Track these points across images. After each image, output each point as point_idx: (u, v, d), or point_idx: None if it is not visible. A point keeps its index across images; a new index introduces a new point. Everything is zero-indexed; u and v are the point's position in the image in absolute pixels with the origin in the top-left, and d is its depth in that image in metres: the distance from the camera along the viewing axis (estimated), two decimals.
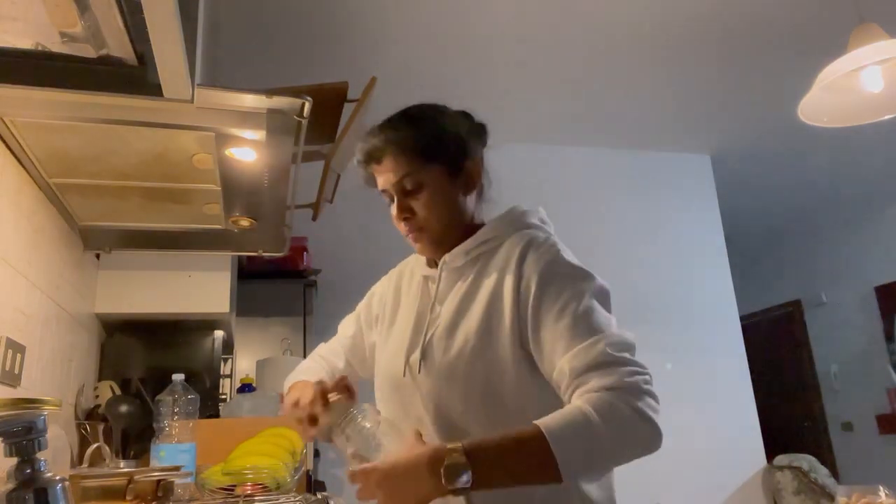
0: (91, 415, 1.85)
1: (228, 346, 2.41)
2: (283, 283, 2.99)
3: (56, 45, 0.97)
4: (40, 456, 0.81)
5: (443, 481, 0.81)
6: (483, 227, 1.13)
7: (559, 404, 0.91)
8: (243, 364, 2.79)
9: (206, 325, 2.19)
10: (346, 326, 1.35)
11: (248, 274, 2.80)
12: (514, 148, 3.61)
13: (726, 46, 2.94)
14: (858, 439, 5.16)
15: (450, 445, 0.84)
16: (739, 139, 3.90)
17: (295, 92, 1.18)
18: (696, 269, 3.79)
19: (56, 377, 1.65)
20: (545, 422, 0.85)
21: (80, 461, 1.66)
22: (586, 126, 3.60)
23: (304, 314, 3.03)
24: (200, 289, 2.09)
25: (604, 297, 1.00)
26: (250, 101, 1.17)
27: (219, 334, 2.21)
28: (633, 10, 2.65)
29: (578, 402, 0.87)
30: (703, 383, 3.52)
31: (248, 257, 2.63)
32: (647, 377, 0.89)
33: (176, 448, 1.54)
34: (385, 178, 1.11)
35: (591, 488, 1.00)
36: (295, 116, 1.21)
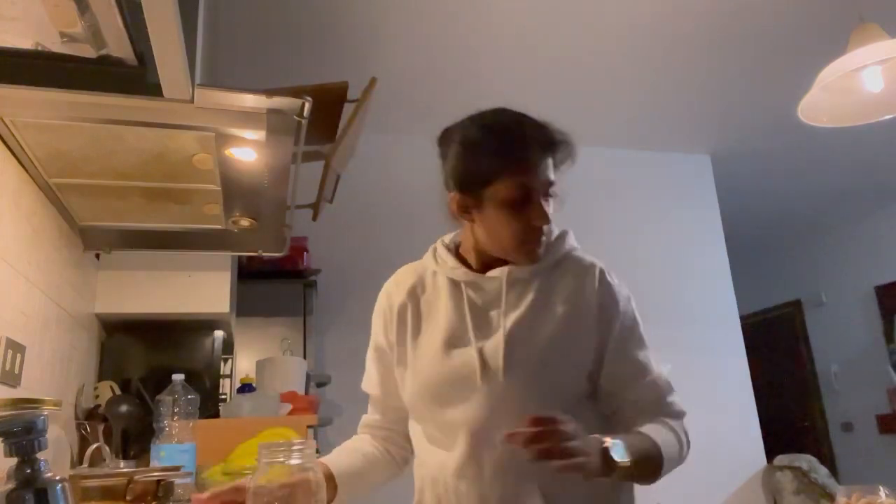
0: (91, 415, 1.85)
1: (228, 346, 2.41)
2: (283, 283, 2.99)
3: (56, 45, 0.97)
4: (40, 456, 0.81)
5: (607, 460, 0.92)
6: None
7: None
8: (243, 364, 2.79)
9: (206, 325, 2.19)
10: (368, 380, 1.29)
11: (248, 274, 2.80)
12: None
13: (726, 46, 2.94)
14: (858, 439, 5.16)
15: (609, 437, 0.95)
16: (739, 139, 3.90)
17: (295, 92, 1.18)
18: (696, 270, 3.79)
19: (56, 377, 1.65)
20: (662, 442, 1.02)
21: (80, 461, 1.66)
22: (586, 126, 3.60)
23: (304, 314, 3.03)
24: (200, 289, 2.09)
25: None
26: (250, 101, 1.17)
27: (219, 334, 2.21)
28: (632, 10, 2.65)
29: (674, 424, 1.08)
30: (703, 383, 3.52)
31: (248, 257, 2.63)
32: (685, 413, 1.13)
33: (176, 448, 1.54)
34: (545, 175, 1.08)
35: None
36: (295, 116, 1.21)
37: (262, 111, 1.19)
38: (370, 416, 1.29)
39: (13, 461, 0.80)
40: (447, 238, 1.26)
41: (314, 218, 1.83)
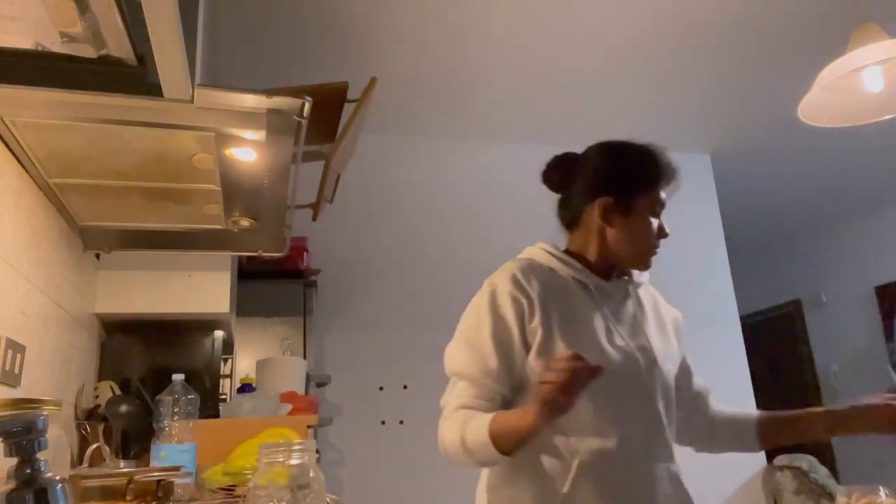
0: (91, 415, 1.85)
1: (228, 346, 2.41)
2: (283, 283, 2.99)
3: (56, 45, 0.97)
4: (40, 456, 0.81)
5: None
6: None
7: None
8: (243, 364, 2.79)
9: (206, 325, 2.18)
10: (482, 363, 1.19)
11: (248, 274, 2.80)
12: (513, 147, 3.61)
13: (726, 46, 2.94)
14: (858, 439, 5.15)
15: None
16: (739, 139, 3.90)
17: (295, 92, 1.18)
18: (696, 269, 3.79)
19: (56, 377, 1.65)
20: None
21: (80, 461, 1.66)
22: (586, 126, 3.60)
23: (304, 314, 3.03)
24: (200, 289, 2.09)
25: None
26: (250, 101, 1.17)
27: (219, 334, 2.21)
28: (632, 10, 2.65)
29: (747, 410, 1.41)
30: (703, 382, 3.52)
31: (248, 257, 2.63)
32: None
33: (176, 448, 1.54)
34: (666, 198, 1.29)
35: None
36: (295, 116, 1.21)
37: (262, 111, 1.19)
38: (471, 399, 1.18)
39: (13, 461, 0.80)
40: (545, 244, 1.36)
41: (314, 218, 1.83)
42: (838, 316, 5.37)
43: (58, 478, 0.82)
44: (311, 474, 0.85)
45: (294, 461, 0.85)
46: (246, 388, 2.37)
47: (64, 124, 1.21)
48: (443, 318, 3.69)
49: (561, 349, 1.15)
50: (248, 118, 1.21)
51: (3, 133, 1.25)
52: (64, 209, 1.63)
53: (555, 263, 1.28)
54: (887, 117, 1.82)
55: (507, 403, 1.19)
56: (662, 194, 1.26)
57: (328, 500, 1.36)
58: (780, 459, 3.63)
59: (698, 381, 1.41)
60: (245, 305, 2.66)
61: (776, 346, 5.87)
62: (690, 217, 3.92)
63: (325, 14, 2.57)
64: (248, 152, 1.35)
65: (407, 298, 3.31)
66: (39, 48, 0.98)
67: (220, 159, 1.38)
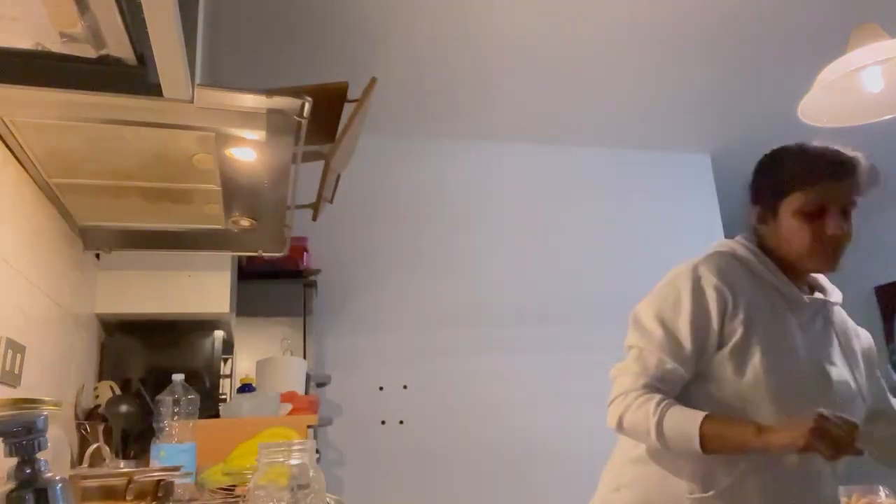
0: (91, 415, 1.85)
1: (228, 346, 2.41)
2: (283, 283, 2.98)
3: (56, 45, 0.97)
4: (40, 456, 0.81)
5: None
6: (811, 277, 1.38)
7: None
8: (243, 364, 2.79)
9: (206, 325, 2.18)
10: (676, 347, 1.23)
11: (248, 274, 2.80)
12: (513, 147, 3.61)
13: (726, 46, 2.94)
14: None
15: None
16: (739, 139, 3.90)
17: (295, 92, 1.18)
18: None
19: (56, 377, 1.65)
20: None
21: (80, 461, 1.66)
22: (586, 126, 3.60)
23: (304, 314, 3.03)
24: (200, 289, 2.09)
25: None
26: (250, 101, 1.17)
27: (219, 334, 2.21)
28: (632, 10, 2.65)
29: None
30: None
31: (248, 257, 2.63)
32: None
33: (176, 448, 1.54)
34: (843, 195, 1.26)
35: None
36: (295, 116, 1.21)
37: (262, 111, 1.19)
38: (656, 381, 1.21)
39: (13, 461, 0.80)
40: (744, 240, 1.39)
41: (314, 218, 1.83)
42: None
43: (58, 478, 0.82)
44: (311, 474, 0.85)
45: (294, 461, 0.85)
46: (246, 388, 2.37)
47: (64, 124, 1.21)
48: (443, 318, 3.70)
49: (757, 358, 1.20)
50: (248, 118, 1.21)
51: (3, 133, 1.25)
52: (64, 209, 1.62)
53: (755, 265, 1.31)
54: (887, 117, 1.81)
55: (680, 386, 1.24)
56: (815, 192, 1.25)
57: (328, 500, 1.36)
58: None
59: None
60: (245, 305, 2.66)
61: None
62: (690, 217, 3.92)
63: (325, 14, 2.57)
64: (248, 152, 1.35)
65: (407, 298, 3.31)
66: (39, 48, 0.98)
67: (220, 159, 1.37)
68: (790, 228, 1.26)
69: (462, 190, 3.52)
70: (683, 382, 1.23)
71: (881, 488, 1.21)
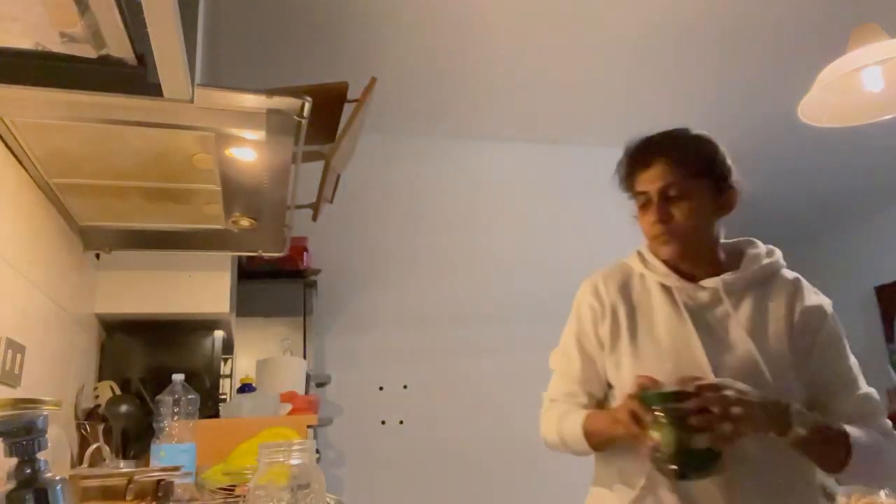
0: (91, 415, 1.85)
1: (228, 346, 2.41)
2: (283, 283, 2.99)
3: (56, 45, 0.97)
4: (40, 456, 0.81)
5: (790, 419, 1.04)
6: (729, 252, 1.29)
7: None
8: (243, 364, 2.79)
9: (206, 325, 2.18)
10: (568, 363, 1.33)
11: (248, 274, 2.80)
12: (513, 147, 3.61)
13: (726, 46, 2.94)
14: None
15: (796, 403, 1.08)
16: (739, 139, 3.89)
17: (295, 92, 1.18)
18: None
19: (56, 377, 1.65)
20: (857, 433, 1.10)
21: (80, 461, 1.66)
22: (586, 126, 3.60)
23: (304, 314, 3.03)
24: (200, 289, 2.09)
25: None
26: (250, 101, 1.17)
27: (219, 334, 2.21)
28: (632, 10, 2.65)
29: (873, 431, 1.13)
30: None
31: (248, 257, 2.63)
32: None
33: (176, 448, 1.54)
34: (651, 182, 1.22)
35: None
36: (295, 116, 1.20)
37: (262, 111, 1.19)
38: (561, 395, 1.33)
39: (13, 461, 0.80)
40: (643, 248, 1.35)
41: (314, 218, 1.83)
42: (838, 316, 5.36)
43: (58, 478, 0.82)
44: (311, 474, 0.85)
45: (294, 461, 0.85)
46: (246, 388, 2.37)
47: (64, 124, 1.21)
48: (443, 318, 3.70)
49: (626, 355, 1.22)
50: (248, 118, 1.21)
51: (3, 133, 1.25)
52: (64, 209, 1.62)
53: (639, 265, 1.31)
54: (887, 117, 1.82)
55: (594, 400, 1.29)
56: (636, 187, 1.26)
57: (328, 500, 1.36)
58: None
59: (847, 404, 1.17)
60: (245, 305, 2.66)
61: None
62: None
63: (325, 14, 2.57)
64: (248, 152, 1.35)
65: (407, 298, 3.31)
66: (39, 48, 0.98)
67: (220, 159, 1.37)
68: (640, 222, 1.28)
69: (462, 190, 3.52)
70: (589, 395, 1.29)
71: (881, 488, 1.22)
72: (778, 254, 1.32)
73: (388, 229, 3.41)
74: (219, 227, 1.74)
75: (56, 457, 1.55)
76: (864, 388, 1.19)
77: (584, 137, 3.70)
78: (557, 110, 3.40)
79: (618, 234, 3.79)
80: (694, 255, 1.25)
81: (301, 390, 2.41)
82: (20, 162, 1.36)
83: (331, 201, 1.88)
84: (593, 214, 3.61)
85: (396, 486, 3.00)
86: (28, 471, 0.80)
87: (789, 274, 1.29)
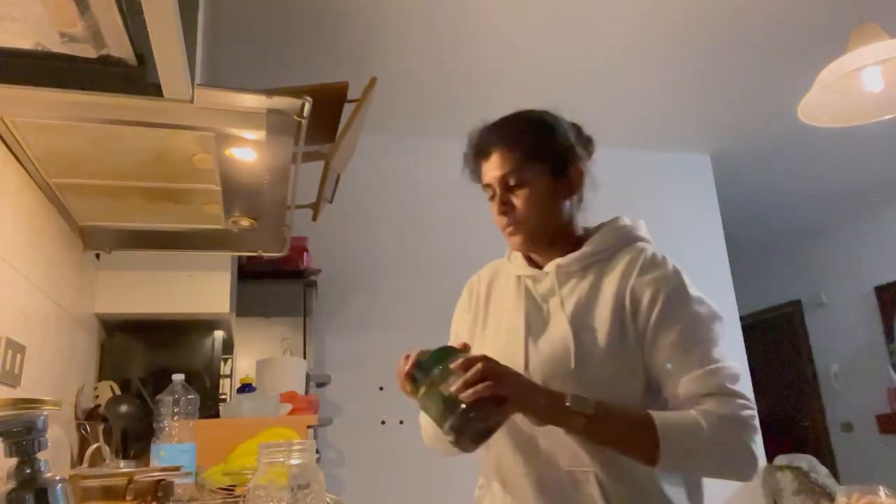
0: (91, 415, 1.85)
1: (228, 346, 2.41)
2: (283, 283, 2.99)
3: (56, 45, 0.97)
4: (40, 456, 0.81)
5: (568, 402, 0.96)
6: (589, 234, 1.19)
7: None
8: (243, 364, 2.79)
9: (206, 325, 2.18)
10: (457, 326, 1.34)
11: (248, 274, 2.80)
12: None
13: (726, 46, 2.94)
14: (858, 439, 5.16)
15: (578, 392, 0.97)
16: (739, 139, 3.90)
17: (295, 92, 1.18)
18: (696, 269, 3.77)
19: (56, 377, 1.65)
20: (657, 413, 0.98)
21: (80, 461, 1.66)
22: (586, 126, 3.60)
23: (304, 314, 3.03)
24: (200, 289, 2.09)
25: (718, 324, 1.08)
26: (250, 101, 1.17)
27: (219, 334, 2.21)
28: (632, 10, 2.65)
29: (694, 412, 0.99)
30: None
31: (248, 257, 2.62)
32: (754, 412, 1.01)
33: (176, 448, 1.54)
34: (491, 172, 1.17)
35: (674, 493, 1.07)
36: (295, 116, 1.20)
37: (262, 111, 1.19)
38: None
39: (13, 461, 0.80)
40: None
41: (314, 218, 1.83)
42: (838, 316, 5.37)
43: (58, 478, 0.82)
44: (312, 474, 0.85)
45: (294, 461, 0.85)
46: (246, 388, 2.37)
47: (64, 124, 1.21)
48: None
49: (477, 348, 1.18)
50: (248, 118, 1.21)
51: (3, 133, 1.25)
52: (64, 209, 1.62)
53: (505, 261, 1.29)
54: (887, 117, 1.82)
55: None
56: (482, 180, 1.20)
57: (328, 500, 1.36)
58: (780, 459, 3.64)
59: (680, 386, 1.03)
60: (245, 305, 2.66)
61: (776, 346, 5.87)
62: (690, 217, 3.92)
63: (325, 14, 2.57)
64: (248, 152, 1.35)
65: (407, 298, 3.31)
66: (39, 48, 0.98)
67: (220, 159, 1.37)
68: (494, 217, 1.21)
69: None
70: None
71: (881, 488, 1.21)
72: (629, 228, 1.22)
73: (388, 229, 3.41)
74: (219, 227, 1.74)
75: (56, 457, 1.55)
76: (709, 365, 1.02)
77: None
78: (557, 111, 3.39)
79: None
80: (544, 243, 1.18)
81: (301, 390, 2.41)
82: (20, 162, 1.36)
83: (331, 201, 1.88)
84: (593, 214, 3.61)
85: (396, 486, 3.00)
86: (28, 471, 0.80)
87: (638, 248, 1.16)
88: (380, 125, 3.21)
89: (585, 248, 1.15)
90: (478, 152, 1.20)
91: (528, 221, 1.15)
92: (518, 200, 1.14)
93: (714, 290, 3.82)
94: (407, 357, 1.05)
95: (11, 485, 0.79)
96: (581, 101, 3.36)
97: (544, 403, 0.98)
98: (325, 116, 1.60)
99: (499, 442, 1.14)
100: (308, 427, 1.94)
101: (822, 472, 3.60)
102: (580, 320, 1.09)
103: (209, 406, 2.02)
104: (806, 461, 3.61)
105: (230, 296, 2.12)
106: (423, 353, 1.04)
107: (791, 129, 3.52)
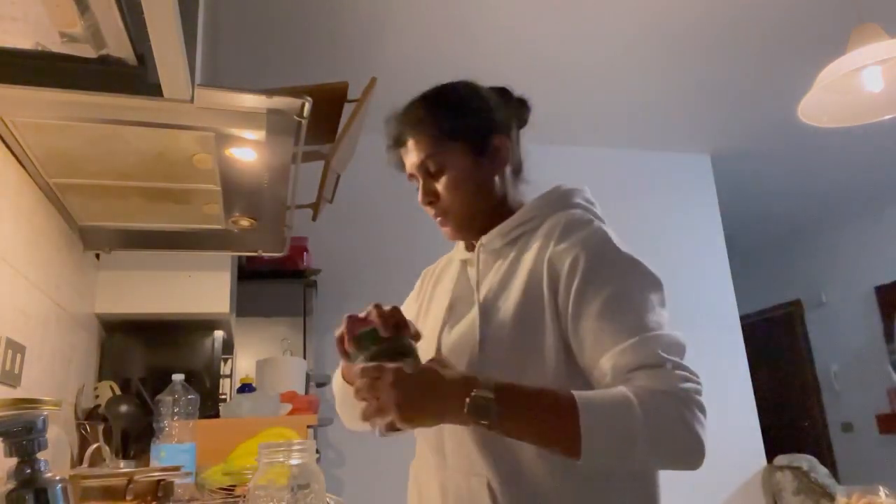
0: (91, 415, 1.85)
1: (228, 346, 2.41)
2: (283, 283, 2.99)
3: (56, 45, 0.97)
4: (40, 456, 0.81)
5: (465, 409, 0.79)
6: (522, 207, 1.07)
7: None
8: (243, 364, 2.79)
9: (206, 325, 2.18)
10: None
11: (248, 274, 2.80)
12: None
13: (726, 46, 2.95)
14: (858, 439, 5.16)
15: (482, 378, 0.82)
16: (739, 139, 3.90)
17: (295, 92, 1.18)
18: (696, 269, 3.79)
19: (56, 377, 1.65)
20: (582, 394, 0.80)
21: (80, 461, 1.66)
22: (586, 126, 3.60)
23: (304, 314, 3.03)
24: (200, 289, 2.09)
25: (655, 289, 0.94)
26: (250, 101, 1.17)
27: (219, 334, 2.21)
28: (632, 10, 2.66)
29: (623, 389, 0.81)
30: (703, 383, 3.52)
31: (248, 257, 2.63)
32: (698, 386, 0.84)
33: (176, 448, 1.54)
34: (409, 161, 1.08)
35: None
36: (295, 116, 1.20)
37: (262, 111, 1.19)
38: None
39: (13, 461, 0.80)
40: None
41: (314, 218, 1.83)
42: (838, 316, 5.37)
43: (58, 478, 0.82)
44: (312, 474, 0.85)
45: (294, 461, 0.85)
46: (246, 388, 2.37)
47: (64, 124, 1.21)
48: None
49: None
50: (248, 118, 1.21)
51: (3, 133, 1.25)
52: (64, 209, 1.62)
53: (455, 250, 1.21)
54: (887, 117, 1.82)
55: None
56: (407, 169, 1.11)
57: (328, 500, 1.36)
58: (780, 459, 3.64)
59: (608, 360, 0.86)
60: (245, 305, 2.66)
61: (776, 346, 5.87)
62: (690, 217, 3.92)
63: (325, 14, 2.57)
64: (248, 152, 1.35)
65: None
66: (39, 48, 0.98)
67: (220, 159, 1.37)
68: None
69: None
70: None
71: (881, 488, 1.20)
72: (562, 193, 1.08)
73: (388, 229, 3.41)
74: (219, 227, 1.74)
75: (56, 457, 1.55)
76: (641, 333, 0.85)
77: (584, 137, 3.70)
78: (558, 110, 3.40)
79: (617, 233, 3.80)
80: (476, 227, 1.06)
81: (301, 390, 2.41)
82: (20, 162, 1.36)
83: (331, 201, 1.88)
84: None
85: (396, 486, 2.99)
86: (28, 471, 0.80)
87: (567, 214, 1.02)
88: (380, 125, 3.19)
89: (508, 221, 1.04)
90: (394, 142, 1.10)
91: (454, 209, 1.04)
92: (441, 187, 1.04)
93: (714, 289, 3.83)
94: (350, 319, 0.94)
95: (11, 485, 0.79)
96: (581, 101, 3.36)
97: (437, 411, 0.82)
98: (325, 116, 1.60)
99: (418, 439, 1.10)
100: (308, 427, 1.94)
101: (822, 472, 3.60)
102: (492, 301, 0.98)
103: (209, 406, 2.02)
104: (806, 461, 3.61)
105: (230, 296, 2.12)
106: (359, 325, 0.93)
107: (791, 129, 3.52)
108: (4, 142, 1.29)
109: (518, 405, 0.81)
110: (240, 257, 2.55)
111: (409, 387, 0.81)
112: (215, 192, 1.54)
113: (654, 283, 0.94)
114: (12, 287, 1.36)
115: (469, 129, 1.04)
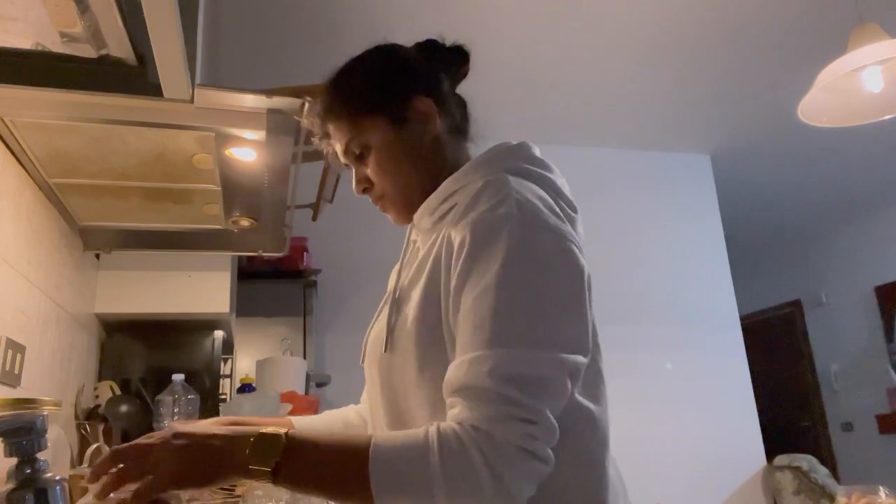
0: (91, 415, 1.85)
1: (228, 346, 2.41)
2: (283, 283, 2.99)
3: (56, 45, 0.97)
4: (40, 456, 0.81)
5: (248, 465, 0.66)
6: (451, 175, 0.90)
7: None
8: (243, 364, 2.79)
9: (206, 325, 2.19)
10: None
11: (248, 274, 2.80)
12: None
13: (726, 46, 2.94)
14: (858, 439, 5.16)
15: (271, 430, 0.68)
16: (739, 139, 3.90)
17: (295, 92, 1.18)
18: (696, 269, 3.79)
19: (56, 377, 1.65)
20: (381, 439, 0.68)
21: (80, 461, 1.66)
22: (586, 126, 3.60)
23: (304, 314, 3.03)
24: (200, 289, 2.09)
25: (559, 287, 0.73)
26: (250, 101, 1.17)
27: (219, 334, 2.21)
28: (632, 10, 2.66)
29: (431, 427, 0.67)
30: (703, 383, 3.52)
31: (248, 257, 2.63)
32: (531, 427, 0.65)
33: None
34: (338, 151, 0.96)
35: None
36: (295, 116, 1.21)
37: (262, 111, 1.19)
38: None
39: (13, 461, 0.80)
40: None
41: (314, 218, 1.83)
42: (838, 316, 5.37)
43: (58, 478, 0.82)
44: None
45: None
46: (246, 388, 2.37)
47: (64, 124, 1.21)
48: None
49: None
50: (247, 118, 1.21)
51: (3, 133, 1.25)
52: (64, 209, 1.63)
53: None
54: (887, 117, 1.82)
55: None
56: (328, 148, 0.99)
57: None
58: (780, 459, 3.64)
59: (448, 370, 0.72)
60: (245, 305, 2.66)
61: (776, 346, 5.87)
62: (690, 217, 3.92)
63: (325, 14, 2.57)
64: (248, 152, 1.35)
65: None
66: (39, 48, 0.98)
67: (220, 159, 1.38)
68: None
69: None
70: None
71: (881, 488, 1.20)
72: (496, 152, 0.91)
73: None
74: (219, 227, 1.74)
75: (56, 457, 1.55)
76: (485, 349, 0.68)
77: (584, 137, 3.70)
78: (558, 110, 3.40)
79: (618, 233, 3.80)
80: (420, 203, 0.92)
81: (301, 390, 2.41)
82: (20, 162, 1.36)
83: (331, 201, 1.88)
84: (593, 214, 3.61)
85: None
86: (28, 471, 0.80)
87: (486, 181, 0.82)
88: None
89: (434, 194, 0.88)
90: (320, 138, 0.98)
91: (388, 190, 0.92)
92: (371, 171, 0.91)
93: (714, 290, 3.83)
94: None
95: (11, 485, 0.79)
96: (581, 101, 3.36)
97: (210, 474, 0.68)
98: None
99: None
100: None
101: (822, 472, 3.60)
102: (407, 291, 0.85)
103: (209, 406, 2.02)
104: (806, 461, 3.61)
105: (230, 296, 2.12)
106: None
107: (791, 129, 3.52)
108: (4, 142, 1.29)
109: (305, 458, 0.68)
110: (240, 257, 2.56)
111: (190, 450, 0.68)
112: (215, 192, 1.54)
113: (562, 280, 0.74)
114: (12, 287, 1.36)
115: (383, 99, 0.91)
